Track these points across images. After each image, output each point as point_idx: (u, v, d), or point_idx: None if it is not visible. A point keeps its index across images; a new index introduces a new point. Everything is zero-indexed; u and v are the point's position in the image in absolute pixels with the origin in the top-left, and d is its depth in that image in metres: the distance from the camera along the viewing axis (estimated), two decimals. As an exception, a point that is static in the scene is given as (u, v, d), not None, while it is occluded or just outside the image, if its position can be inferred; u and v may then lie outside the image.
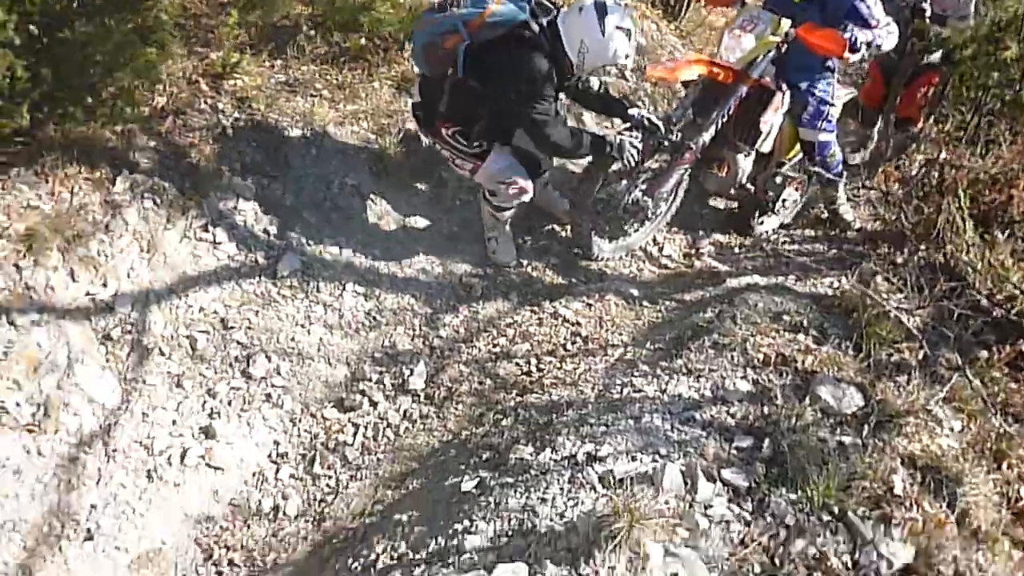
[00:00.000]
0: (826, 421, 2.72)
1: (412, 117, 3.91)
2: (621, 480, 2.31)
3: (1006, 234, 4.15)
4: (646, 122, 3.68)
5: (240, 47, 4.29)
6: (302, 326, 3.39)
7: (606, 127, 4.59)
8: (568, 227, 4.13)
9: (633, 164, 3.68)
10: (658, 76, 3.64)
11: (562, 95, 3.72)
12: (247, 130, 3.84)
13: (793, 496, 2.34)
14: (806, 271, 3.86)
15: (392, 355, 3.41)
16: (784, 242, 4.38)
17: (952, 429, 3.25)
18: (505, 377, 3.26)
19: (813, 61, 3.95)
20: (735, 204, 4.60)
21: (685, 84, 4.03)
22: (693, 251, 4.35)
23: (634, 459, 2.42)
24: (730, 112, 3.75)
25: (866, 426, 2.74)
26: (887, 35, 3.81)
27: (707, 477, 2.36)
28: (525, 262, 3.95)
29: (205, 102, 3.85)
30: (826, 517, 2.32)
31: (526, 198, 3.68)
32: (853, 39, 3.60)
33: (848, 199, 4.72)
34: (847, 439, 2.66)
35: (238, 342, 3.22)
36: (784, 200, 4.45)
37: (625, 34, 3.40)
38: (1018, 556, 2.94)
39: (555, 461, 2.47)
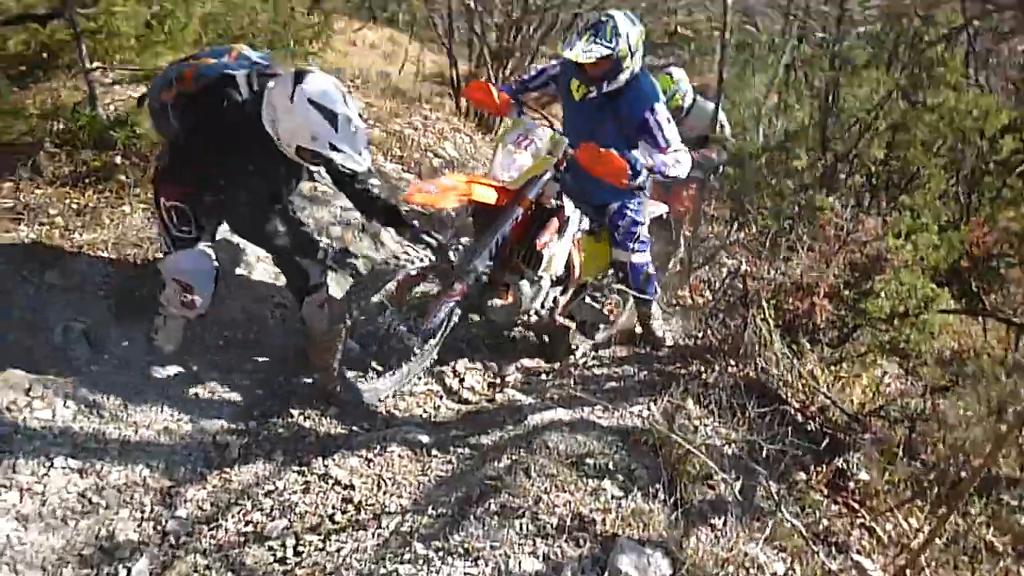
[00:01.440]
0: (629, 602, 2.27)
1: None
2: None
3: (812, 343, 4.03)
4: (432, 242, 3.31)
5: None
6: (-16, 523, 2.61)
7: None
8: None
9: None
10: (420, 202, 3.07)
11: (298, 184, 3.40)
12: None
13: None
14: (614, 399, 3.50)
15: (107, 549, 2.66)
16: (593, 365, 4.02)
17: (775, 574, 2.91)
18: (252, 567, 2.60)
19: None
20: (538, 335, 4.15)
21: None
22: (498, 381, 3.91)
23: None
24: (506, 236, 3.36)
25: (675, 603, 2.32)
26: (675, 163, 3.53)
27: None
28: (296, 410, 3.35)
29: None
30: None
31: (191, 315, 3.29)
32: (634, 163, 3.31)
33: (662, 311, 4.50)
34: (653, 624, 2.22)
35: None
36: (596, 324, 4.15)
37: (324, 114, 2.91)
38: None
39: None
